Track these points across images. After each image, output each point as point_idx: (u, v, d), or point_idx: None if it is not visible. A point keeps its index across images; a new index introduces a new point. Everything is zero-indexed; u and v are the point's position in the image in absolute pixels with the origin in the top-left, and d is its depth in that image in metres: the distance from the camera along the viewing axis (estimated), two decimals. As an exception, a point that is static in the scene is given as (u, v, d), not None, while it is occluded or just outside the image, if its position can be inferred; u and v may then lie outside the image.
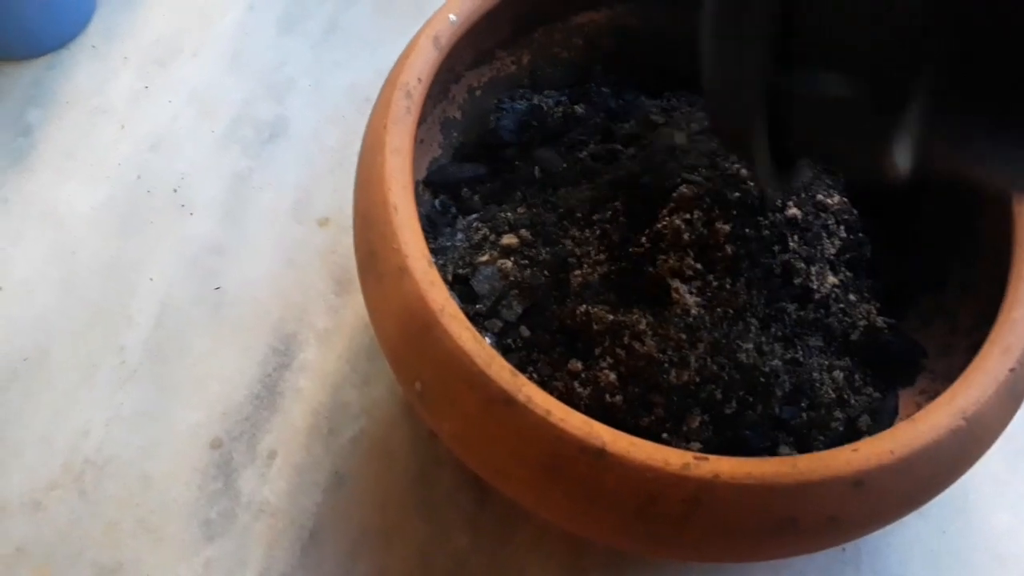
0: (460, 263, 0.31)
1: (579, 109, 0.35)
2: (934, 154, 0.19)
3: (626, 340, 0.28)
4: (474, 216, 0.33)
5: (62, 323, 0.37)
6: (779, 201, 0.29)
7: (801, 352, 0.29)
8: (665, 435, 0.28)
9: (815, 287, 0.29)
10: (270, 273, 0.39)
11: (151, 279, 0.38)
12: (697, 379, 0.28)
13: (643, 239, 0.29)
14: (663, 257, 0.29)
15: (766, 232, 0.29)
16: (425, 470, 0.34)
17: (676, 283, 0.28)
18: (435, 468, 0.34)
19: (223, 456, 0.34)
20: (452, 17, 0.31)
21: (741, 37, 0.19)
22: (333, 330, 0.37)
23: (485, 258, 0.31)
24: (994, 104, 0.17)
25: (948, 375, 0.28)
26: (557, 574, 0.33)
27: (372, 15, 0.47)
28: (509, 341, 0.30)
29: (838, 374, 0.30)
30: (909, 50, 0.17)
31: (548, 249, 0.31)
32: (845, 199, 0.31)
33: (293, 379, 0.36)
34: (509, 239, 0.31)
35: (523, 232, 0.31)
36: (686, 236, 0.28)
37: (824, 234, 0.30)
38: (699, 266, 0.28)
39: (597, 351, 0.29)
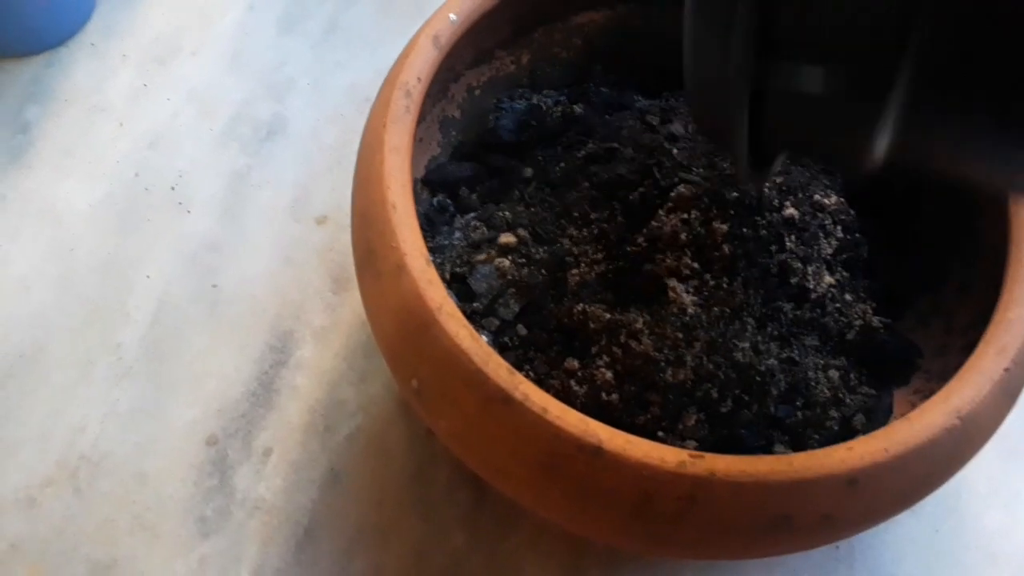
0: (458, 262, 0.31)
1: (578, 109, 0.35)
2: (927, 153, 0.19)
3: (623, 339, 0.28)
4: (472, 215, 0.33)
5: (59, 320, 0.37)
6: (776, 201, 0.30)
7: (797, 351, 0.29)
8: (661, 433, 0.28)
9: (811, 287, 0.30)
10: (268, 271, 0.39)
11: (148, 276, 0.38)
12: (693, 378, 0.28)
13: (640, 238, 0.29)
14: (660, 256, 0.29)
15: (763, 232, 0.29)
16: (422, 468, 0.34)
17: (673, 282, 0.28)
18: (432, 466, 0.34)
19: (219, 453, 0.35)
20: (452, 17, 0.31)
21: (722, 32, 0.19)
22: (330, 328, 0.37)
23: (483, 257, 0.31)
24: (980, 97, 0.17)
25: (943, 375, 0.28)
26: (555, 572, 0.33)
27: (372, 15, 0.47)
28: (506, 339, 0.30)
29: (833, 373, 0.30)
30: (888, 41, 0.17)
31: (545, 248, 0.31)
32: (842, 199, 0.31)
33: (290, 376, 0.36)
34: (507, 238, 0.31)
35: (521, 231, 0.32)
36: (683, 235, 0.28)
37: (821, 234, 0.30)
38: (696, 265, 0.28)
39: (594, 349, 0.29)
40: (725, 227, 0.28)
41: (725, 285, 0.28)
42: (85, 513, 0.33)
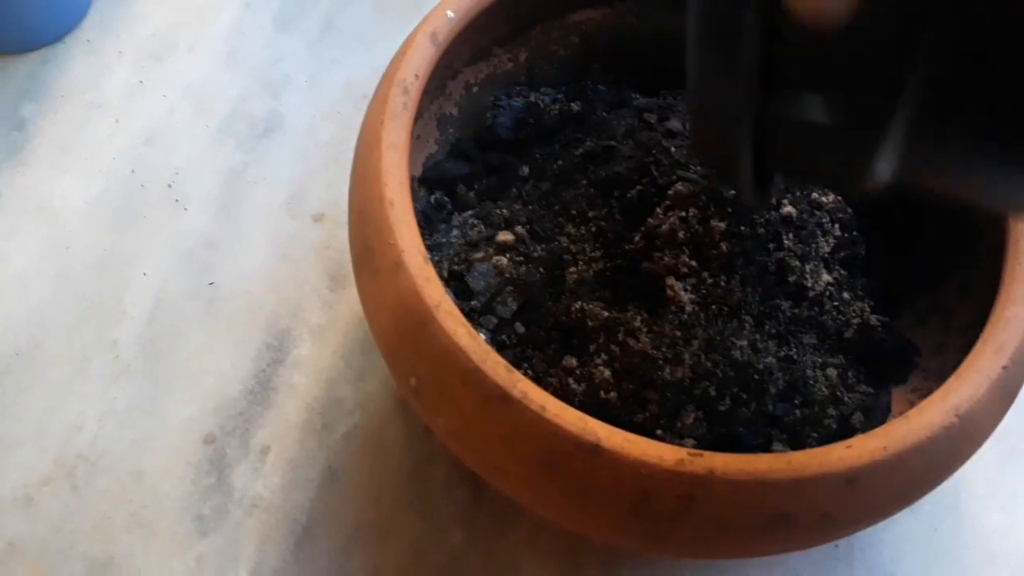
0: (456, 259, 0.31)
1: (576, 107, 0.35)
2: (928, 179, 0.19)
3: (621, 337, 0.28)
4: (470, 213, 0.33)
5: (55, 317, 0.37)
6: (774, 199, 0.29)
7: (795, 349, 0.29)
8: (659, 432, 0.28)
9: (809, 285, 0.30)
10: (264, 268, 0.39)
11: (145, 273, 0.38)
12: (691, 376, 0.28)
13: (638, 236, 0.29)
14: (658, 254, 0.29)
15: (761, 230, 0.29)
16: (420, 466, 0.34)
17: (671, 280, 0.28)
18: (430, 464, 0.34)
19: (216, 451, 0.34)
20: (450, 14, 0.31)
21: (727, 70, 0.19)
22: (327, 325, 0.37)
23: (480, 255, 0.31)
24: (981, 126, 0.17)
25: (941, 373, 0.28)
26: (553, 571, 0.33)
27: (369, 12, 0.46)
28: (504, 337, 0.30)
29: (831, 371, 0.30)
30: (889, 70, 0.17)
31: (543, 246, 0.31)
32: (840, 198, 0.31)
33: (287, 374, 0.36)
34: (505, 236, 0.31)
35: (518, 229, 0.31)
36: (681, 234, 0.28)
37: (819, 232, 0.30)
38: (694, 263, 0.28)
39: (592, 348, 0.29)
40: (723, 225, 0.28)
41: (723, 283, 0.28)
42: (82, 511, 0.33)
